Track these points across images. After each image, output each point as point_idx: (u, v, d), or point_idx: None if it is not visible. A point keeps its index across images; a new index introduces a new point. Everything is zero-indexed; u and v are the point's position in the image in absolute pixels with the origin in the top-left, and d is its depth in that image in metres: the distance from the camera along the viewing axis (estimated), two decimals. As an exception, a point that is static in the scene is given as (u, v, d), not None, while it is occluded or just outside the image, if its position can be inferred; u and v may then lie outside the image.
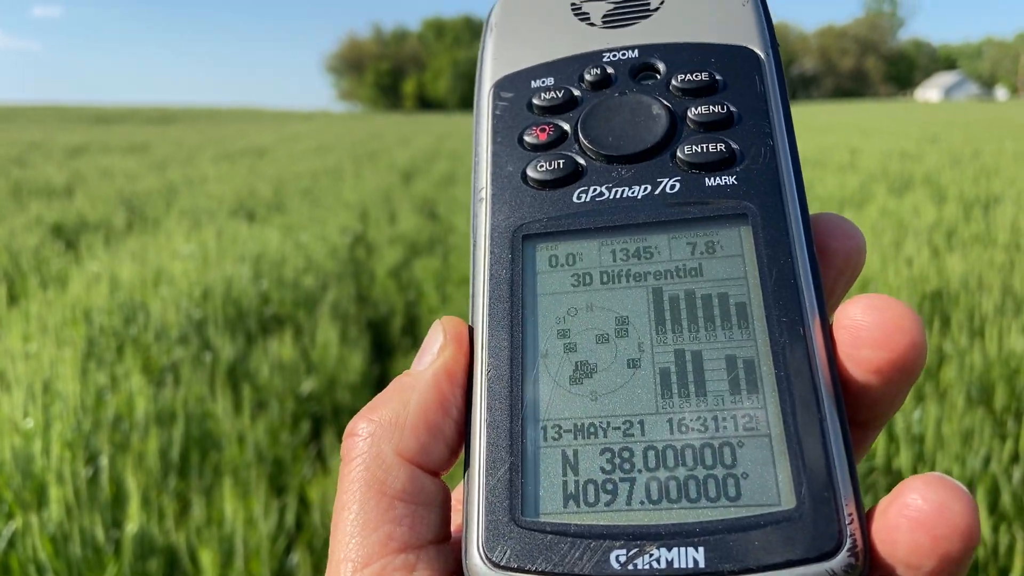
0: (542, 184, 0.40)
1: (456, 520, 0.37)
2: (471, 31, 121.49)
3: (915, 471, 2.16)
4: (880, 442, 2.25)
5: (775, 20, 0.43)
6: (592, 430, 0.34)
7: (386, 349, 4.84)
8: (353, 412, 2.77)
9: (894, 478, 2.21)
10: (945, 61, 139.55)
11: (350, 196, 8.87)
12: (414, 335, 4.99)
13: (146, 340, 3.40)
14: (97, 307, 3.67)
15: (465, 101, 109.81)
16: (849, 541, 0.29)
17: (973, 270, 4.01)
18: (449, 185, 10.60)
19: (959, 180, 8.64)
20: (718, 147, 0.38)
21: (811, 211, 0.37)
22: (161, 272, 4.53)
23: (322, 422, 3.34)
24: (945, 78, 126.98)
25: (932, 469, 2.11)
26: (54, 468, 1.82)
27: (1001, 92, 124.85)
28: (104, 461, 1.96)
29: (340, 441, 0.37)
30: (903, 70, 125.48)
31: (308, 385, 3.35)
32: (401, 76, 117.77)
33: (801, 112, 56.90)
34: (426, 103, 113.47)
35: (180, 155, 17.28)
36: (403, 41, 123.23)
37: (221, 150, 18.68)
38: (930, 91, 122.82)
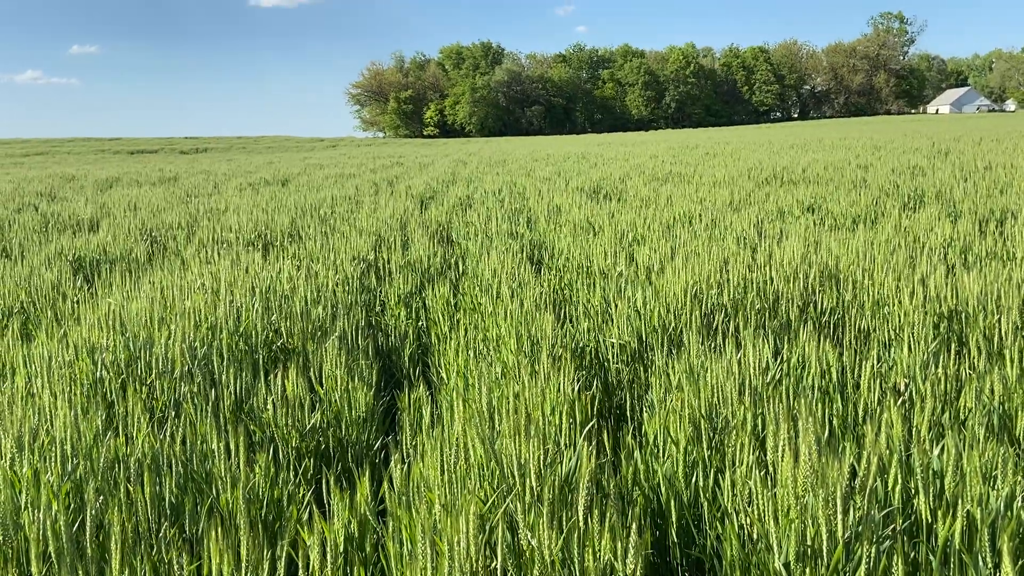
0: None
1: None
2: (488, 58, 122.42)
3: (935, 516, 2.06)
4: (897, 482, 2.15)
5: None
6: None
7: (396, 378, 4.81)
8: (358, 446, 2.73)
9: (913, 522, 2.11)
10: (955, 75, 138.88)
11: (366, 223, 8.89)
12: (425, 363, 4.95)
13: (150, 377, 3.39)
14: (103, 345, 3.67)
15: (484, 126, 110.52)
16: None
17: (990, 288, 3.90)
18: (464, 210, 10.61)
19: (972, 195, 8.48)
20: None
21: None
22: (172, 307, 4.54)
23: (326, 457, 3.30)
24: (955, 92, 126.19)
25: (953, 513, 2.01)
26: (39, 522, 1.80)
27: (1010, 104, 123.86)
28: (90, 512, 1.92)
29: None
30: (913, 85, 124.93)
31: (313, 419, 3.32)
32: (422, 103, 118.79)
33: (813, 129, 56.61)
34: (446, 128, 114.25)
35: (207, 186, 17.51)
36: (423, 69, 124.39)
37: (246, 180, 18.90)
38: (941, 106, 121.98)
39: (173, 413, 3.19)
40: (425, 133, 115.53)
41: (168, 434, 2.68)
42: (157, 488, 2.34)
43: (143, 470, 2.37)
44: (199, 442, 2.71)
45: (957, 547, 1.86)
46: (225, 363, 3.71)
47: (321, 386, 3.62)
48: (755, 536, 1.96)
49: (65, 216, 10.77)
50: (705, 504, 2.35)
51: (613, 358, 3.97)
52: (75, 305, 5.09)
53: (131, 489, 2.30)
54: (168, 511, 2.32)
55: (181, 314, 4.26)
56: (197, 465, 2.55)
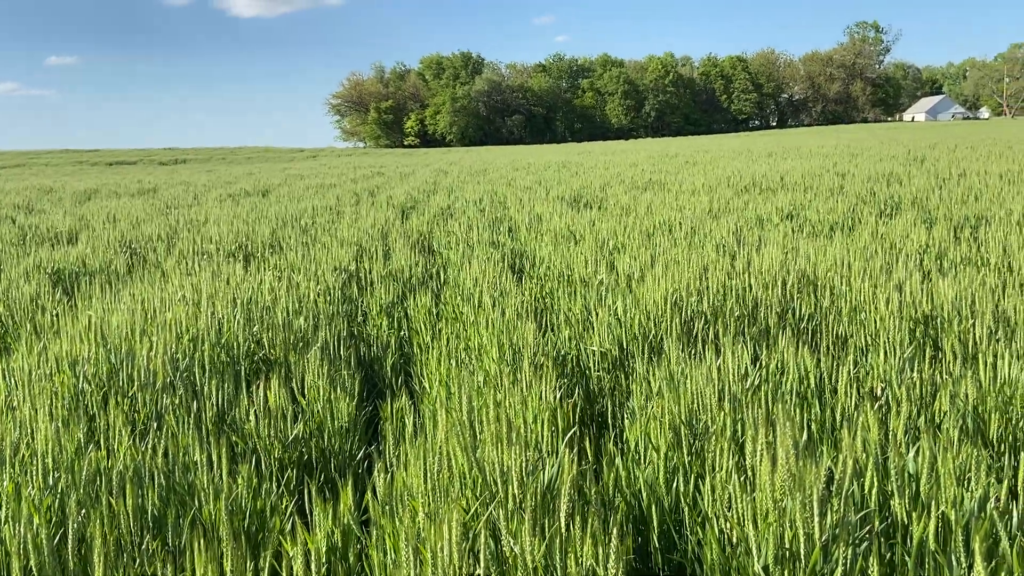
0: None
1: None
2: (468, 68, 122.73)
3: (911, 518, 2.10)
4: (874, 485, 2.19)
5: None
6: None
7: (379, 388, 4.81)
8: (341, 456, 2.73)
9: (889, 524, 2.15)
10: (930, 84, 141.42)
11: (347, 233, 8.88)
12: (407, 372, 4.96)
13: (131, 390, 3.38)
14: (84, 358, 3.65)
15: (464, 135, 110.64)
16: None
17: (964, 294, 3.97)
18: (446, 219, 10.63)
19: (947, 201, 8.61)
20: None
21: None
22: (152, 319, 4.52)
23: (308, 467, 3.30)
24: (930, 100, 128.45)
25: (928, 515, 2.04)
26: (20, 536, 1.79)
27: (984, 112, 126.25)
28: (71, 526, 1.92)
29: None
30: (889, 93, 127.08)
31: (295, 430, 3.32)
32: (403, 113, 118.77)
33: (791, 137, 57.23)
34: (427, 138, 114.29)
35: (187, 197, 17.40)
36: (404, 80, 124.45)
37: (227, 191, 18.81)
38: (916, 113, 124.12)
39: (155, 425, 3.18)
40: (406, 143, 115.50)
41: (150, 446, 2.67)
42: (139, 500, 2.34)
43: (125, 482, 2.36)
44: (181, 454, 2.71)
45: (932, 548, 1.89)
46: (207, 374, 3.71)
47: (303, 397, 3.62)
48: (735, 540, 1.99)
49: (43, 228, 10.68)
50: (686, 509, 2.38)
51: (594, 366, 4.00)
52: (54, 318, 5.06)
53: (113, 502, 2.29)
54: (150, 523, 2.32)
55: (162, 326, 4.24)
56: (179, 477, 2.55)
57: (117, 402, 3.22)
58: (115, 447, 2.70)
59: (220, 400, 3.50)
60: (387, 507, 2.17)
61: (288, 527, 2.40)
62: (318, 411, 3.44)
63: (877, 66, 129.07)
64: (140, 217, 11.99)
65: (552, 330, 4.72)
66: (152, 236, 9.49)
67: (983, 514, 2.08)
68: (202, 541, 1.88)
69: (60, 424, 2.70)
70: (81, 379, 3.39)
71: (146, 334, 4.17)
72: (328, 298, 5.58)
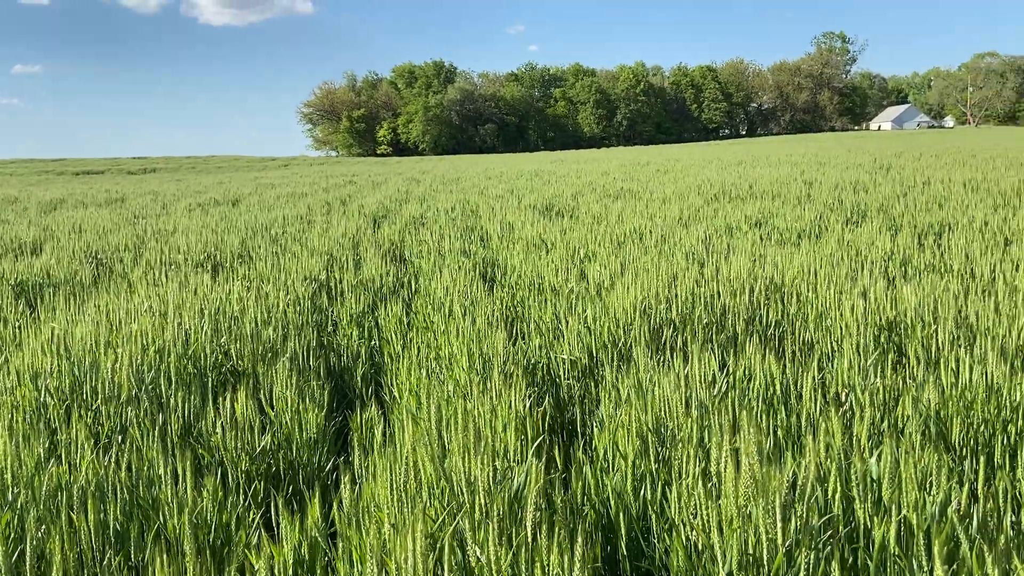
0: None
1: None
2: (441, 77, 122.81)
3: (873, 522, 2.12)
4: (837, 490, 2.21)
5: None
6: None
7: (349, 398, 4.77)
8: (309, 468, 2.71)
9: (853, 528, 2.17)
10: (895, 93, 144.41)
11: (318, 243, 8.83)
12: (378, 382, 4.93)
13: (95, 403, 3.32)
14: (47, 371, 3.59)
15: (437, 144, 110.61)
16: None
17: (928, 300, 4.03)
18: (418, 228, 10.61)
19: (912, 209, 8.76)
20: None
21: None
22: (118, 330, 4.46)
23: (276, 479, 3.27)
24: (896, 110, 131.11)
25: (890, 518, 2.07)
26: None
27: (949, 120, 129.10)
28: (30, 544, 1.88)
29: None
30: (856, 103, 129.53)
31: (263, 442, 3.28)
32: (375, 122, 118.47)
33: (760, 146, 57.92)
34: (400, 147, 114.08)
35: (155, 207, 17.19)
36: (376, 88, 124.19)
37: (196, 200, 18.61)
38: (883, 122, 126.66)
39: (119, 438, 3.13)
40: (378, 152, 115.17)
41: (113, 460, 2.63)
42: (101, 515, 2.30)
43: (87, 497, 2.33)
44: (146, 467, 2.67)
45: (893, 551, 1.92)
46: (173, 386, 3.66)
47: (271, 408, 3.58)
48: (700, 547, 2.00)
49: (7, 239, 10.49)
50: (654, 517, 2.39)
51: (565, 374, 4.01)
52: (16, 330, 4.97)
53: (74, 517, 2.25)
54: (113, 538, 2.28)
55: (128, 338, 4.19)
56: (143, 491, 2.51)
57: (80, 415, 3.17)
58: (77, 461, 2.66)
59: (186, 412, 3.46)
60: (353, 519, 2.16)
61: (254, 540, 2.37)
62: (286, 422, 3.41)
63: (844, 76, 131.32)
64: (107, 227, 11.82)
65: (523, 338, 4.73)
66: (119, 246, 9.37)
67: (944, 518, 2.11)
68: (165, 556, 1.86)
69: (20, 439, 2.65)
70: (43, 392, 3.33)
71: (111, 346, 4.11)
72: (298, 308, 5.54)
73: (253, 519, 2.53)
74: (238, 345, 4.42)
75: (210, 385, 3.93)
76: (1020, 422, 2.87)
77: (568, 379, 3.98)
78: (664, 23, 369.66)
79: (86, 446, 2.74)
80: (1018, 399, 2.91)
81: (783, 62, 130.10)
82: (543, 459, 2.74)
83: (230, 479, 2.97)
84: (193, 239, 9.14)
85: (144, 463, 2.70)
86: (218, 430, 3.18)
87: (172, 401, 3.45)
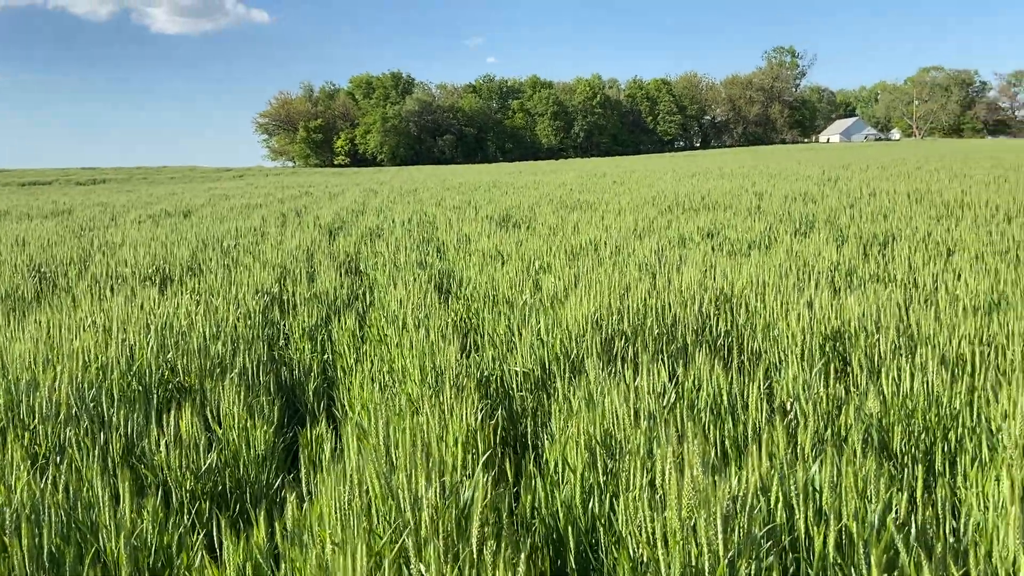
0: None
1: None
2: (399, 88, 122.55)
3: (815, 531, 2.15)
4: (779, 500, 2.24)
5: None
6: None
7: (300, 413, 4.71)
8: (257, 486, 2.65)
9: (795, 539, 2.20)
10: (843, 106, 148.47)
11: (271, 255, 8.72)
12: (330, 396, 4.87)
13: (33, 423, 3.23)
14: (-18, 389, 3.47)
15: (395, 155, 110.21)
16: None
17: (871, 310, 4.12)
18: (374, 240, 10.54)
19: (858, 220, 8.96)
20: None
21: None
22: (59, 347, 4.34)
23: (223, 499, 3.20)
24: (844, 123, 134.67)
25: (829, 527, 2.10)
26: None
27: (895, 133, 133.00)
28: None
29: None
30: (806, 116, 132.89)
31: (209, 460, 3.22)
32: (332, 132, 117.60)
33: (714, 158, 58.90)
34: (358, 158, 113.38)
35: (104, 218, 16.81)
36: (333, 99, 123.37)
37: (146, 212, 18.24)
38: (831, 135, 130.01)
39: (57, 459, 3.05)
40: (336, 162, 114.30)
41: (50, 481, 2.56)
42: (36, 539, 2.23)
43: (21, 520, 2.25)
44: (84, 488, 2.60)
45: (832, 560, 1.95)
46: (116, 404, 3.57)
47: (219, 425, 3.52)
48: (646, 559, 2.01)
49: (-54, 253, 10.16)
50: (602, 529, 2.39)
51: (517, 386, 4.01)
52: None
53: (7, 541, 2.18)
54: (47, 563, 2.21)
55: (69, 355, 4.08)
56: (81, 513, 2.44)
57: (17, 435, 3.07)
58: (12, 483, 2.57)
59: (129, 431, 3.38)
60: (297, 539, 2.12)
61: (196, 562, 2.32)
62: (234, 439, 3.34)
63: (794, 89, 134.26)
64: (52, 240, 11.53)
65: (477, 351, 4.72)
66: (64, 259, 9.14)
67: (884, 527, 2.15)
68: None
69: (-49, 461, 2.56)
70: (-22, 412, 3.23)
71: (51, 363, 4.00)
72: (249, 322, 5.46)
73: (196, 541, 2.47)
74: (185, 360, 4.33)
75: (155, 402, 3.85)
76: (960, 429, 2.94)
77: (521, 391, 3.98)
78: (620, 37, 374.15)
79: (22, 467, 2.66)
80: (957, 407, 2.99)
81: (735, 76, 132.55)
82: (494, 473, 2.73)
83: (173, 499, 2.90)
84: (142, 252, 8.96)
85: (83, 484, 2.62)
86: (162, 449, 3.11)
87: (114, 419, 3.37)
